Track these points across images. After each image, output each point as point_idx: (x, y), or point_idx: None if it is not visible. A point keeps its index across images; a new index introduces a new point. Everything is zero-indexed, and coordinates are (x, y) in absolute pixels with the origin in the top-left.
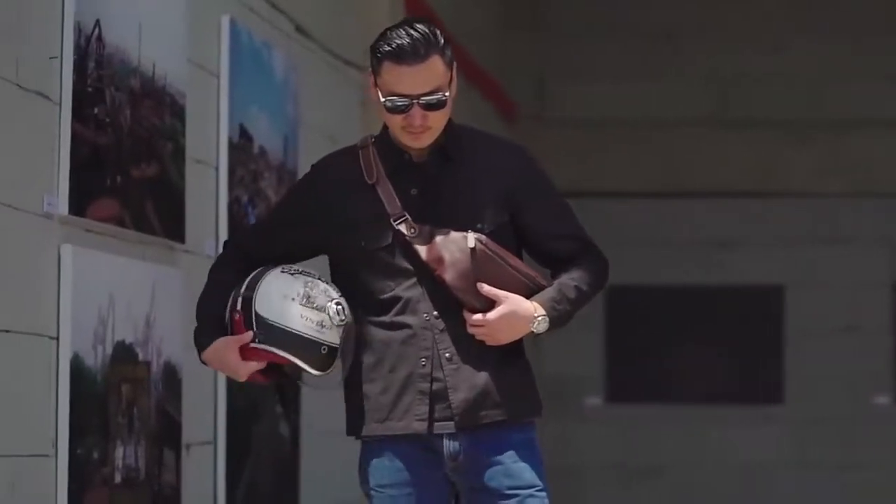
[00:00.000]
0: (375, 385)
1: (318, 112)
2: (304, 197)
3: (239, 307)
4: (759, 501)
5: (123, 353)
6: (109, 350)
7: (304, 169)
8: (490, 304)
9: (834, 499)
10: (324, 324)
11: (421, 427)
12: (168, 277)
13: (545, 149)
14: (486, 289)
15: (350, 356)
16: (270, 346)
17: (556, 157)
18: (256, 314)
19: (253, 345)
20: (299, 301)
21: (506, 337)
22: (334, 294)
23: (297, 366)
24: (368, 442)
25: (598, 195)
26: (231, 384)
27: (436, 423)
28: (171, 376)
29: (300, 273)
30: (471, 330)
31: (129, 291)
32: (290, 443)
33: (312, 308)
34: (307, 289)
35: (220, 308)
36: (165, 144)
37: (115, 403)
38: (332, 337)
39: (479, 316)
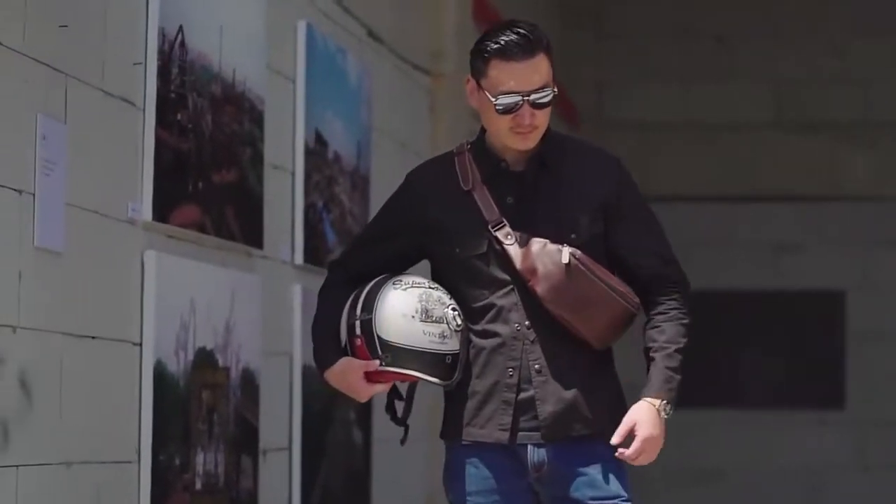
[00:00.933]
0: (462, 391)
1: (389, 117)
2: (400, 207)
3: (358, 331)
4: None
5: (204, 359)
6: (191, 356)
7: (376, 174)
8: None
9: None
10: (444, 334)
11: (503, 437)
12: (246, 283)
13: None
14: (615, 438)
15: (464, 357)
16: (397, 367)
17: None
18: (380, 338)
19: (380, 368)
20: (419, 318)
21: (658, 446)
22: (447, 300)
23: (422, 380)
24: (453, 448)
25: (656, 199)
26: (306, 390)
27: (520, 434)
28: (249, 382)
29: (412, 286)
30: (635, 463)
31: (209, 297)
32: (363, 449)
33: (432, 322)
34: (423, 303)
35: (337, 326)
36: (245, 150)
37: (196, 409)
38: (454, 345)
39: (629, 454)
